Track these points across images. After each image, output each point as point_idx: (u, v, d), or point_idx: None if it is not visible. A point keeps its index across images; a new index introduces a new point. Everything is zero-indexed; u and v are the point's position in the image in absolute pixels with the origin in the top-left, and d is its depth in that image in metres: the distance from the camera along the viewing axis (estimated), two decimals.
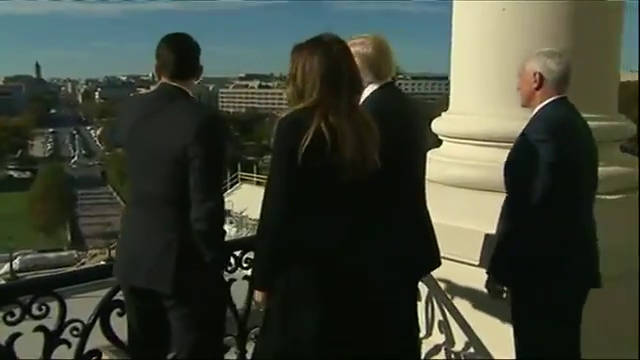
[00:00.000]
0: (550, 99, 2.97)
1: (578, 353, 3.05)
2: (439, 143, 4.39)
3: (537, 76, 2.97)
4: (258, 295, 2.71)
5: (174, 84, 2.83)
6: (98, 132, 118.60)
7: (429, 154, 3.53)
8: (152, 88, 3.07)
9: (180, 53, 2.84)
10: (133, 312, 2.96)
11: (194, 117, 2.73)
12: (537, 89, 2.99)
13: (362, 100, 2.81)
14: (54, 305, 2.97)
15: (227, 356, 3.46)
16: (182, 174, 2.68)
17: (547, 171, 2.82)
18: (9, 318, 2.81)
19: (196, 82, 2.98)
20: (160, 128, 2.74)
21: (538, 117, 2.98)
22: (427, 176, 3.18)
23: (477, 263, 3.48)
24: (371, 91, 3.00)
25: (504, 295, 3.12)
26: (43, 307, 2.89)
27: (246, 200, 23.00)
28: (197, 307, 2.79)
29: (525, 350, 3.04)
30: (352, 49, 2.74)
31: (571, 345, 3.03)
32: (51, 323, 2.96)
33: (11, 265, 35.37)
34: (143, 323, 2.94)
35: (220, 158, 2.78)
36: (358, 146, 2.52)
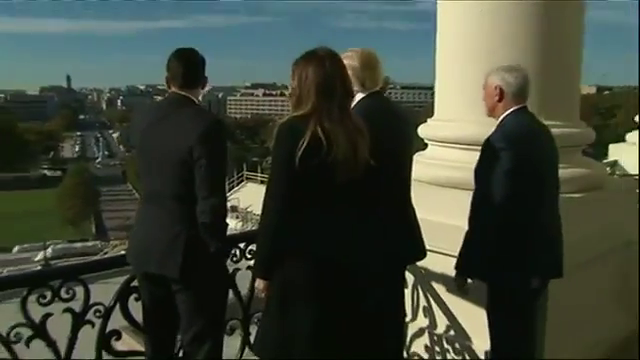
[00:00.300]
0: (511, 109, 2.97)
1: (539, 347, 3.04)
2: (425, 146, 4.41)
3: (498, 90, 2.98)
4: (259, 283, 2.71)
5: (182, 93, 2.85)
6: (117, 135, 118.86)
7: (416, 156, 3.53)
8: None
9: (187, 66, 2.86)
10: (147, 296, 2.99)
11: (199, 122, 2.74)
12: (499, 101, 2.99)
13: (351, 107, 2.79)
14: (80, 289, 2.99)
15: (232, 338, 3.48)
16: (188, 173, 2.69)
17: (506, 176, 2.81)
18: (42, 300, 2.85)
19: (203, 91, 2.99)
20: (169, 132, 2.75)
21: (501, 126, 2.98)
22: (414, 176, 3.18)
23: None
24: (358, 99, 2.98)
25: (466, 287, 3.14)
26: (70, 291, 2.94)
27: (251, 197, 22.95)
28: (201, 291, 2.81)
29: (498, 345, 3.04)
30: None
31: (533, 339, 3.03)
32: (77, 305, 2.99)
33: (45, 253, 35.54)
34: (155, 306, 2.96)
35: (222, 158, 2.78)
36: (350, 148, 2.51)
